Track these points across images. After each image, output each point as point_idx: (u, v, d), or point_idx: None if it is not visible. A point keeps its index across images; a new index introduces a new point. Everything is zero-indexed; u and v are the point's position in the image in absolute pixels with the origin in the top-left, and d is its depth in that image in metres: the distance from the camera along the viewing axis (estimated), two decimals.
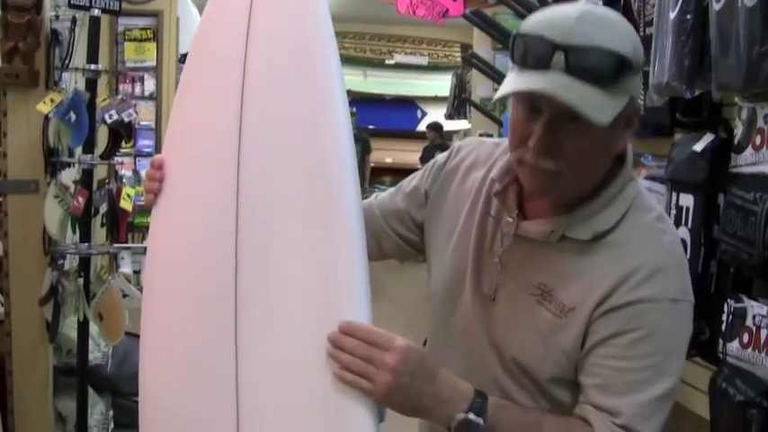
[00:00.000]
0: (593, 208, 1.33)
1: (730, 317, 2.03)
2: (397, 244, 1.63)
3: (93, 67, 3.08)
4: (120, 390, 3.62)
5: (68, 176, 3.21)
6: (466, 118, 9.42)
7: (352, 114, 9.96)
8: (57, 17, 3.25)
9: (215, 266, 1.39)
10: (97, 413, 3.48)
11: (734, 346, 2.00)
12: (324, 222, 1.35)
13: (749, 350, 1.95)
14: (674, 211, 2.35)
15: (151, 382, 1.47)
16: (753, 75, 1.87)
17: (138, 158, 6.85)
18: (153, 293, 1.48)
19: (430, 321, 1.56)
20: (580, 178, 1.30)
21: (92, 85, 3.09)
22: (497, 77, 5.45)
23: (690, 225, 2.28)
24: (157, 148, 6.83)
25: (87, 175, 3.10)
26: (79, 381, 3.17)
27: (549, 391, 1.36)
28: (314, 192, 1.35)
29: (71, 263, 3.24)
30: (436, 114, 11.93)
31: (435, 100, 12.68)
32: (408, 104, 13.48)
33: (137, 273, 6.79)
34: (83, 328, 3.13)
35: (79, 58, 3.19)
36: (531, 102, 1.27)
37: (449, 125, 10.81)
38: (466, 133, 9.59)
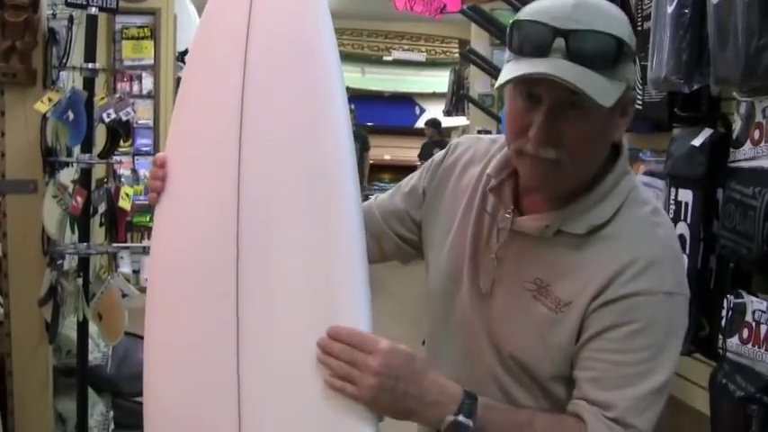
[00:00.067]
0: (588, 202, 1.33)
1: (730, 312, 2.03)
2: (397, 245, 1.63)
3: (90, 65, 3.07)
4: (121, 390, 3.62)
5: (67, 176, 3.20)
6: (464, 114, 9.43)
7: (351, 112, 9.95)
8: (54, 15, 3.24)
9: (216, 265, 1.39)
10: (97, 414, 3.47)
11: (734, 341, 2.00)
12: (323, 221, 1.35)
13: (749, 346, 1.95)
14: (673, 207, 2.35)
15: (154, 380, 1.47)
16: (751, 68, 1.87)
17: (136, 157, 6.89)
18: (156, 291, 1.48)
19: (428, 319, 1.56)
20: (580, 167, 1.30)
21: (89, 83, 3.08)
22: (495, 73, 5.44)
23: (689, 220, 2.28)
24: (156, 147, 6.83)
25: (86, 174, 3.09)
26: (79, 381, 3.17)
27: (547, 388, 1.36)
28: (313, 190, 1.35)
29: (70, 263, 3.23)
30: (434, 111, 11.94)
31: (433, 96, 12.68)
32: (406, 101, 13.48)
33: (136, 272, 6.82)
34: (82, 328, 3.13)
35: (77, 56, 3.18)
36: (529, 91, 1.27)
37: (447, 122, 10.81)
38: (464, 130, 9.59)
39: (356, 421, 1.28)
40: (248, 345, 1.36)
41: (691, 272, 2.25)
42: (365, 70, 13.08)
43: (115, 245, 3.25)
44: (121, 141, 3.40)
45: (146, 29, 6.76)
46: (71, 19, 3.20)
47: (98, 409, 3.49)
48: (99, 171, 3.51)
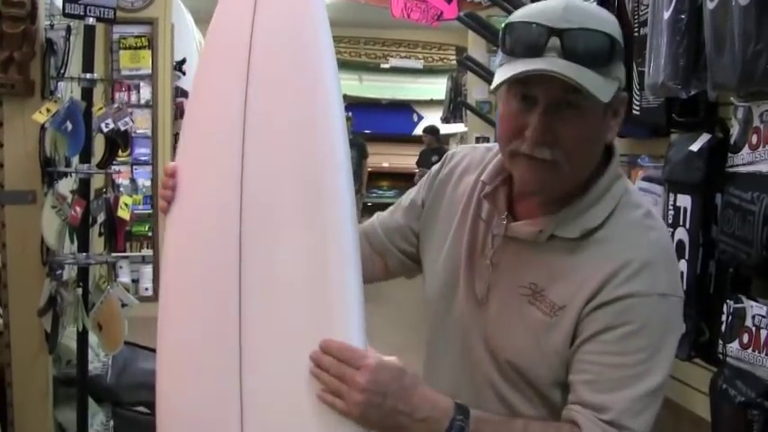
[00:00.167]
0: (581, 206, 1.34)
1: (730, 317, 2.03)
2: (400, 260, 1.63)
3: (88, 75, 3.08)
4: (121, 399, 3.61)
5: (65, 186, 3.20)
6: (462, 121, 9.44)
7: (349, 119, 9.95)
8: (51, 26, 3.25)
9: (220, 273, 1.40)
10: (97, 423, 3.47)
11: (734, 346, 2.00)
12: (315, 229, 1.35)
13: (749, 351, 1.95)
14: (671, 212, 2.35)
15: (165, 382, 1.48)
16: (748, 73, 1.87)
17: (134, 167, 6.89)
18: (167, 298, 1.50)
19: (425, 326, 1.56)
20: (574, 168, 1.30)
21: (88, 93, 3.08)
22: (492, 80, 5.44)
23: (688, 226, 2.28)
24: (154, 156, 6.83)
25: (84, 184, 3.09)
26: (79, 391, 3.17)
27: (545, 394, 1.35)
28: (308, 198, 1.36)
29: (69, 273, 3.23)
30: (432, 118, 11.94)
31: (431, 103, 12.69)
32: (404, 108, 13.49)
33: (135, 282, 6.82)
34: (82, 338, 3.13)
35: (74, 67, 3.18)
36: (524, 93, 1.27)
37: (445, 128, 10.81)
38: (462, 136, 9.60)
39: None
40: (250, 353, 1.37)
41: (690, 277, 2.25)
42: (363, 78, 13.09)
43: (114, 254, 3.26)
44: (120, 151, 3.40)
45: (143, 38, 6.77)
46: (69, 29, 3.21)
47: (98, 418, 3.49)
48: (98, 181, 3.51)
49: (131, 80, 6.79)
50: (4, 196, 3.06)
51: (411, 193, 1.64)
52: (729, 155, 2.12)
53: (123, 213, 3.23)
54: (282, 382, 1.34)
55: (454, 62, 11.30)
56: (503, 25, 1.32)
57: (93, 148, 3.20)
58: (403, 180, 12.13)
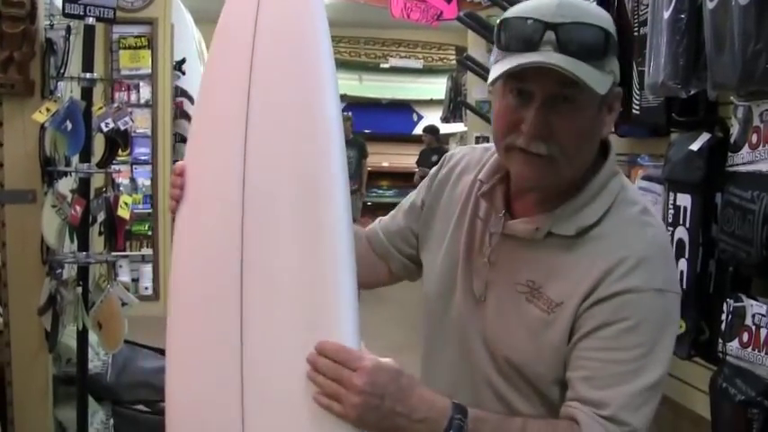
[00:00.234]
0: (577, 204, 1.34)
1: (730, 316, 2.03)
2: (402, 263, 1.64)
3: (88, 75, 3.08)
4: (121, 398, 3.61)
5: (65, 185, 3.20)
6: (462, 121, 9.43)
7: (349, 119, 9.95)
8: (51, 26, 3.25)
9: (224, 269, 1.41)
10: (97, 422, 3.47)
11: (734, 345, 2.00)
12: (309, 227, 1.35)
13: (749, 349, 1.96)
14: (671, 211, 2.36)
15: (173, 381, 1.49)
16: (748, 73, 1.87)
17: (134, 166, 6.90)
18: (177, 295, 1.51)
19: (423, 325, 1.56)
20: (570, 163, 1.31)
21: (87, 93, 3.09)
22: None
23: (688, 225, 2.28)
24: (154, 156, 6.84)
25: (84, 183, 3.10)
26: (79, 390, 3.17)
27: (543, 391, 1.35)
28: (303, 200, 1.36)
29: (69, 272, 3.23)
30: (432, 118, 11.93)
31: (431, 103, 12.68)
32: (404, 108, 13.48)
33: (135, 281, 6.83)
34: (82, 336, 3.13)
35: (74, 66, 3.18)
36: (520, 88, 1.28)
37: (445, 128, 10.81)
38: (462, 136, 9.59)
39: None
40: (251, 350, 1.37)
41: (690, 276, 2.25)
42: (362, 78, 13.08)
43: (114, 254, 3.26)
44: (120, 150, 3.40)
45: (143, 38, 6.78)
46: (68, 29, 3.21)
47: (98, 417, 3.49)
48: (98, 180, 3.51)
49: (131, 80, 6.80)
50: (4, 195, 3.06)
51: (412, 196, 1.65)
52: (729, 154, 2.12)
53: (123, 212, 3.23)
54: (280, 379, 1.34)
55: (454, 62, 11.30)
56: (497, 21, 1.32)
57: (93, 147, 3.21)
58: (403, 180, 12.13)
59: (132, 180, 6.84)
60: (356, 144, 9.96)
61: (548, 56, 1.23)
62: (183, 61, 7.23)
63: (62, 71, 3.19)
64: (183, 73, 7.26)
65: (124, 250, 6.51)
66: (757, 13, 1.83)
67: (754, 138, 2.01)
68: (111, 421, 3.57)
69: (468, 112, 8.38)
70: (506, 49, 1.28)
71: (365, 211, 10.53)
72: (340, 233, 1.33)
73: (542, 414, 1.35)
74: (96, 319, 3.11)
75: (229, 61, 1.46)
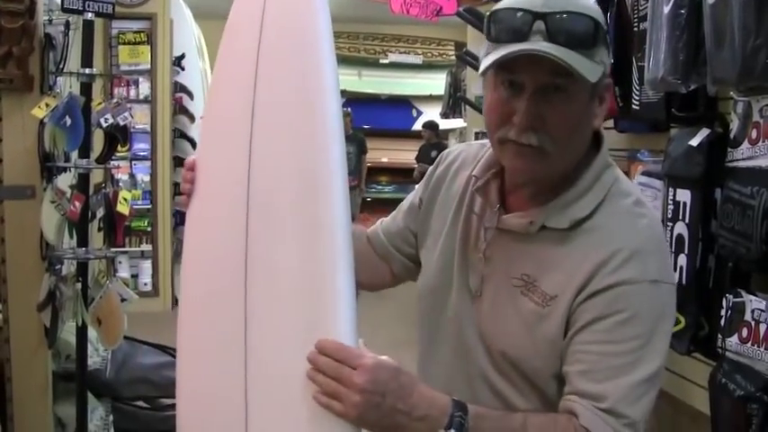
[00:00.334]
0: (570, 197, 1.34)
1: (729, 312, 2.04)
2: (403, 263, 1.65)
3: (87, 70, 3.07)
4: (120, 394, 3.62)
5: (65, 181, 3.20)
6: (461, 116, 9.43)
7: (348, 115, 9.94)
8: (50, 21, 3.24)
9: (229, 265, 1.41)
10: (97, 418, 3.47)
11: (733, 341, 2.01)
12: (309, 226, 1.35)
13: (748, 345, 1.96)
14: (671, 207, 2.36)
15: (183, 372, 1.51)
16: (748, 68, 1.87)
17: (133, 162, 6.90)
18: (187, 288, 1.52)
19: (419, 321, 1.56)
20: (562, 154, 1.31)
21: (86, 89, 3.08)
22: None
23: (687, 220, 2.28)
24: (153, 151, 6.84)
25: (83, 179, 3.09)
26: (78, 386, 3.17)
27: (539, 386, 1.35)
28: (302, 196, 1.37)
29: (69, 268, 3.23)
30: (431, 113, 11.92)
31: (430, 99, 12.68)
32: (403, 104, 13.48)
33: (134, 277, 6.83)
34: (81, 332, 3.13)
35: (73, 62, 3.18)
36: (511, 79, 1.28)
37: (444, 124, 10.80)
38: (461, 132, 9.59)
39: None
40: (254, 348, 1.37)
41: (689, 272, 2.26)
42: (362, 73, 13.07)
43: (113, 249, 3.26)
44: (119, 146, 3.40)
45: (142, 34, 6.77)
46: (68, 24, 3.20)
47: (98, 413, 3.49)
48: (97, 176, 3.50)
49: (130, 75, 6.80)
50: (3, 191, 3.06)
51: (411, 196, 1.65)
52: (729, 149, 2.12)
53: (122, 208, 3.23)
54: (281, 375, 1.34)
55: (453, 57, 11.30)
56: (487, 14, 1.32)
57: (92, 143, 3.20)
58: (402, 175, 12.13)
59: (131, 176, 6.85)
60: (356, 140, 9.96)
61: (538, 45, 1.23)
62: (183, 57, 7.22)
63: (61, 66, 3.18)
64: (183, 68, 7.25)
65: (123, 246, 6.54)
66: (757, 8, 1.83)
67: (754, 133, 2.01)
68: (111, 417, 3.57)
69: (467, 107, 8.37)
70: (496, 41, 1.28)
71: (364, 206, 10.53)
72: (337, 231, 1.34)
73: (538, 409, 1.35)
74: (96, 315, 3.11)
75: (237, 58, 1.48)
